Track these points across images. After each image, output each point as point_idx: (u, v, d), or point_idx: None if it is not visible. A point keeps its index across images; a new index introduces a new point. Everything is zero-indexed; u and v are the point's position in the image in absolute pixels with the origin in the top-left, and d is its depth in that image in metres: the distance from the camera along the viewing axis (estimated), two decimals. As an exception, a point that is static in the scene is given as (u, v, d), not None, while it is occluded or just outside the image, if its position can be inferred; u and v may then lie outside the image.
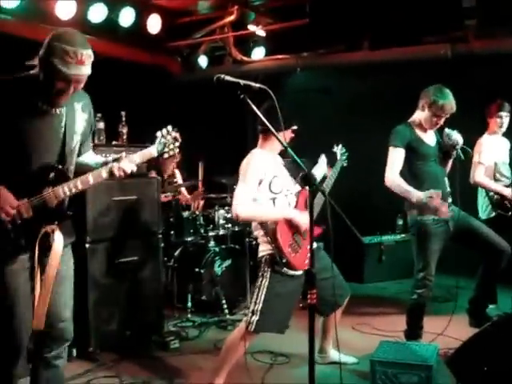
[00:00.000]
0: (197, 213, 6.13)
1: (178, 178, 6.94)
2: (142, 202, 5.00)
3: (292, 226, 3.71)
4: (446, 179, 4.58)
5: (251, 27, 7.24)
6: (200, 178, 6.62)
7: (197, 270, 5.73)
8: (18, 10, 5.81)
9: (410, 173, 4.45)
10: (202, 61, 8.07)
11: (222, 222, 6.07)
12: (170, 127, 3.09)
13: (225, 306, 5.58)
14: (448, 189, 4.55)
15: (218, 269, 5.78)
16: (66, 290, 3.01)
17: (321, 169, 4.52)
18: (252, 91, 2.85)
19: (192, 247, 6.05)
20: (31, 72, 2.81)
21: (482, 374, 3.28)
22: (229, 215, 6.01)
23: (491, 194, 5.41)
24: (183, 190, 6.94)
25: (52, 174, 2.83)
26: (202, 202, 6.90)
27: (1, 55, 5.50)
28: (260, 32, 7.37)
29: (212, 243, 5.96)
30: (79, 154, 3.07)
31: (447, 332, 4.62)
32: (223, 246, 5.98)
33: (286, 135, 3.71)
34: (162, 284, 5.28)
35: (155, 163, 5.47)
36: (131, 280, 4.91)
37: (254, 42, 7.83)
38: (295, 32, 7.19)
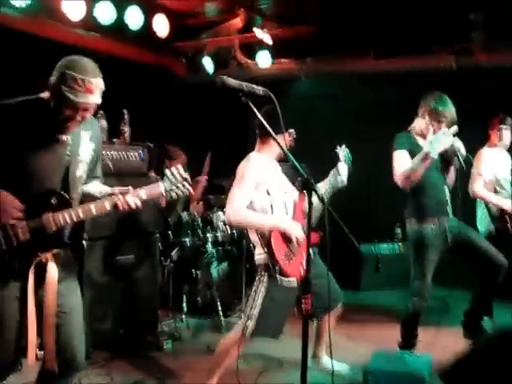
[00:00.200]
0: (195, 215, 6.13)
1: None
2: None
3: (285, 234, 3.71)
4: (446, 188, 4.58)
5: (257, 32, 7.25)
6: (205, 170, 6.65)
7: (193, 271, 5.73)
8: (27, 7, 5.82)
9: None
10: (207, 63, 8.08)
11: (220, 224, 6.07)
12: (179, 166, 3.01)
13: (220, 309, 5.58)
14: (447, 198, 4.55)
15: (215, 271, 5.78)
16: (74, 323, 2.91)
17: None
18: (254, 95, 2.85)
19: (189, 248, 6.05)
20: (42, 95, 2.80)
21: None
22: (227, 218, 6.00)
23: (490, 206, 5.40)
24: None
25: (54, 200, 2.78)
26: (201, 204, 6.89)
27: (10, 51, 5.54)
28: (266, 39, 7.37)
29: (209, 245, 5.95)
30: (85, 182, 3.02)
31: (441, 342, 4.62)
32: (220, 249, 5.98)
33: (285, 139, 3.68)
34: (157, 284, 5.29)
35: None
36: (127, 279, 4.92)
37: (259, 46, 7.82)
38: (300, 38, 7.20)
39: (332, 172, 4.17)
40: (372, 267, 7.40)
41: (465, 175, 4.64)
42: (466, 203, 4.53)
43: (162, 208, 5.80)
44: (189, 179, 3.02)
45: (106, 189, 3.08)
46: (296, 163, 2.80)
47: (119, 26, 6.61)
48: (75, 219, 2.80)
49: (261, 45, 7.72)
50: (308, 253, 2.75)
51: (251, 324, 3.66)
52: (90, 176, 3.06)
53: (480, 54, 6.59)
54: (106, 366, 4.52)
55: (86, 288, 4.58)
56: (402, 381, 3.59)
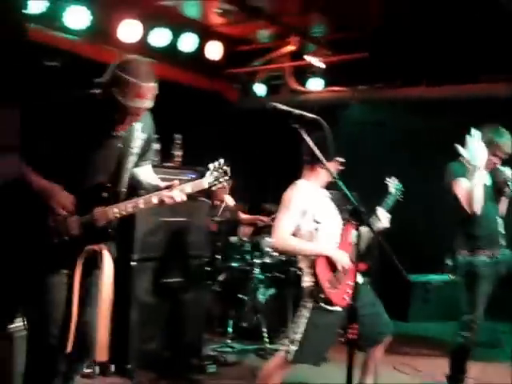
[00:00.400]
0: (244, 239, 6.13)
1: (229, 202, 6.95)
2: (190, 225, 5.05)
3: (331, 262, 3.68)
4: (499, 219, 4.48)
5: (308, 58, 7.30)
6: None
7: (240, 296, 5.73)
8: (84, 31, 6.00)
9: (465, 211, 4.34)
10: (260, 89, 8.15)
11: (268, 249, 6.05)
12: (221, 160, 3.09)
13: (265, 335, 5.55)
14: (502, 230, 4.45)
15: (262, 297, 5.76)
16: (93, 314, 2.97)
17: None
18: (305, 121, 2.86)
19: (237, 273, 6.05)
20: (94, 91, 2.82)
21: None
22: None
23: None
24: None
25: (105, 194, 2.86)
26: (251, 229, 6.89)
27: (66, 74, 5.70)
28: (319, 63, 7.41)
29: (257, 270, 5.93)
30: (136, 165, 3.08)
31: (489, 378, 4.47)
32: (268, 274, 5.96)
33: (333, 167, 3.67)
34: (204, 307, 5.30)
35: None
36: (174, 301, 4.95)
37: (311, 72, 7.86)
38: (352, 65, 7.21)
39: (371, 219, 4.06)
40: (421, 298, 7.27)
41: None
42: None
43: (211, 232, 5.84)
44: (229, 171, 3.08)
45: (153, 178, 3.15)
46: (346, 191, 2.79)
47: (174, 50, 6.75)
48: (124, 213, 2.87)
49: (313, 71, 7.76)
50: (355, 282, 2.71)
51: (294, 349, 3.63)
52: (141, 160, 3.10)
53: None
54: (150, 386, 4.54)
55: (134, 308, 4.65)
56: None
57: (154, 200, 2.92)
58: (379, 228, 4.01)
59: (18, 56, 2.89)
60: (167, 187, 2.96)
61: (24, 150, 2.73)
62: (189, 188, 3.01)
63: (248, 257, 5.97)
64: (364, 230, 3.62)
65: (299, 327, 3.66)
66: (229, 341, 5.60)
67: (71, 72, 5.81)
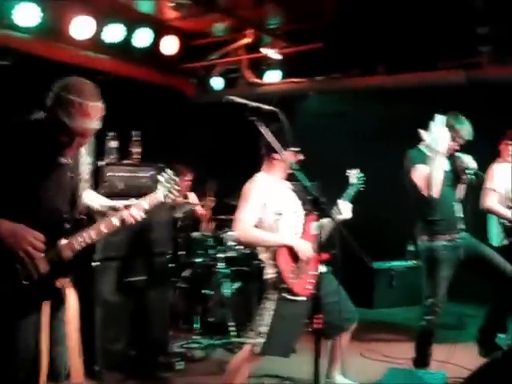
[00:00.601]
0: (207, 234, 6.11)
1: (194, 200, 6.94)
2: (151, 222, 5.00)
3: (293, 253, 3.69)
4: (457, 205, 4.55)
5: (264, 50, 7.29)
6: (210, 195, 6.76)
7: (205, 291, 5.70)
8: (35, 28, 5.88)
9: (423, 197, 4.40)
10: (217, 82, 8.12)
11: (231, 243, 6.04)
12: (169, 171, 3.05)
13: (232, 329, 5.54)
14: (460, 214, 4.52)
15: (227, 291, 5.75)
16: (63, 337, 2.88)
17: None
18: (262, 113, 2.85)
19: (201, 268, 6.03)
20: (36, 116, 2.67)
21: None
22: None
23: (503, 220, 5.35)
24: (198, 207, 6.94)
25: (66, 225, 2.74)
26: (213, 224, 6.89)
27: (17, 73, 5.58)
28: (275, 55, 7.41)
29: (221, 265, 5.92)
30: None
31: (455, 360, 4.56)
32: (232, 268, 5.94)
33: (289, 157, 3.68)
34: (169, 304, 5.26)
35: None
36: (138, 299, 4.91)
37: (267, 64, 7.86)
38: (309, 56, 7.22)
39: (332, 210, 4.08)
40: (385, 285, 7.35)
41: (475, 190, 4.60)
42: (476, 218, 4.49)
43: (173, 228, 5.79)
44: (178, 181, 3.04)
45: (102, 199, 3.08)
46: (305, 181, 2.79)
47: (127, 46, 6.66)
48: (89, 241, 2.78)
49: (269, 63, 7.76)
50: (318, 271, 2.73)
51: (261, 342, 3.63)
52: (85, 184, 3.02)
53: (489, 68, 6.58)
54: (118, 387, 4.50)
55: (98, 309, 4.59)
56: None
57: (116, 222, 2.86)
58: (340, 219, 4.04)
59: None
60: (125, 207, 2.91)
61: None
62: (146, 204, 2.96)
63: (212, 251, 5.94)
64: (325, 220, 3.67)
65: (264, 319, 3.66)
66: (196, 336, 5.58)
67: (22, 71, 5.70)
